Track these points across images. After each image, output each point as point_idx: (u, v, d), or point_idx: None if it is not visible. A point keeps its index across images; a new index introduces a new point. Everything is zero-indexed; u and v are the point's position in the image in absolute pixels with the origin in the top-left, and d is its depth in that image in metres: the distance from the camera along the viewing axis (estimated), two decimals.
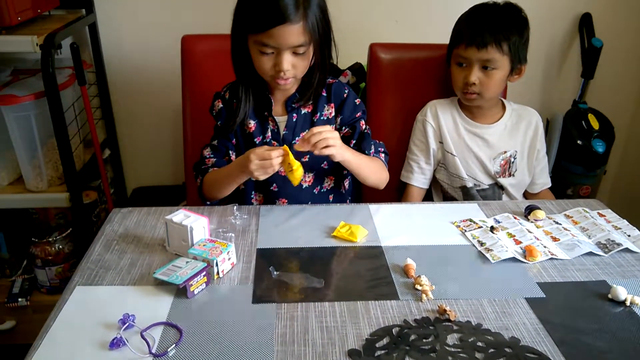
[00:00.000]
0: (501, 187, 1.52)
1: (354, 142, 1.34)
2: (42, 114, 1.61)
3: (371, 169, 1.30)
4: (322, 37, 1.18)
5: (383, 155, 1.37)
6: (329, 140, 1.13)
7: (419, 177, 1.55)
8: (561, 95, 2.22)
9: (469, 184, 1.50)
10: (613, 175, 2.34)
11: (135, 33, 2.00)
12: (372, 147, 1.35)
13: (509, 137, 1.51)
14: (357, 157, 1.25)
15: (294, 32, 1.12)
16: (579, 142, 2.00)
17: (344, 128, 1.35)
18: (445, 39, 1.68)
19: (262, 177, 1.13)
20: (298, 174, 1.13)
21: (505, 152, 1.50)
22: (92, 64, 1.99)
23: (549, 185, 1.59)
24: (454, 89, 1.51)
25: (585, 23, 2.09)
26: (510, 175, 1.51)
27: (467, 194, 1.51)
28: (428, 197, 1.61)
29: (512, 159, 1.50)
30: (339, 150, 1.17)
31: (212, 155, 1.33)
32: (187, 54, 1.64)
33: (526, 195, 1.59)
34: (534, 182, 1.56)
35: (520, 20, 1.42)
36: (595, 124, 2.03)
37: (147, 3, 1.96)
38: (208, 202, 1.31)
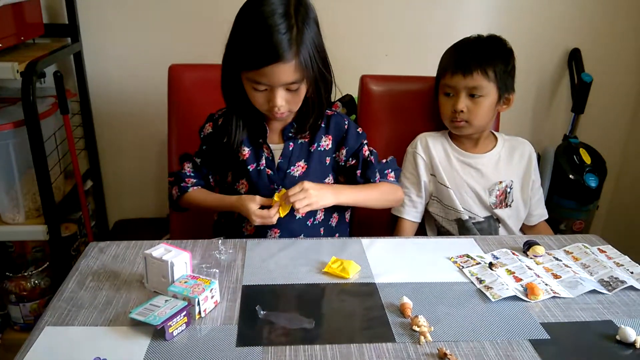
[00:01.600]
0: (497, 220, 1.47)
1: (359, 172, 1.32)
2: (21, 143, 1.55)
3: (375, 199, 1.32)
4: (316, 72, 1.16)
5: (393, 174, 1.36)
6: (304, 200, 1.15)
7: (410, 211, 1.50)
8: (552, 129, 2.22)
9: (464, 217, 1.45)
10: (606, 210, 2.32)
11: (121, 62, 1.97)
12: (377, 173, 1.32)
13: (504, 167, 1.48)
14: (355, 195, 1.27)
15: (286, 71, 1.11)
16: (571, 176, 1.98)
17: (350, 159, 1.32)
18: (435, 72, 1.67)
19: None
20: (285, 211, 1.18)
21: (500, 182, 1.46)
22: (76, 93, 1.95)
23: (546, 217, 1.55)
24: (442, 120, 1.49)
25: (574, 58, 2.10)
26: (507, 206, 1.47)
27: (462, 227, 1.46)
28: (421, 231, 1.56)
29: (509, 189, 1.47)
30: (322, 203, 1.20)
31: (192, 174, 1.34)
32: (175, 84, 1.61)
33: (523, 228, 1.55)
34: (531, 213, 1.52)
35: (504, 50, 1.43)
36: (587, 159, 2.01)
37: (133, 32, 1.94)
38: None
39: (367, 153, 1.33)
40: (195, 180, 1.33)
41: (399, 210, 1.51)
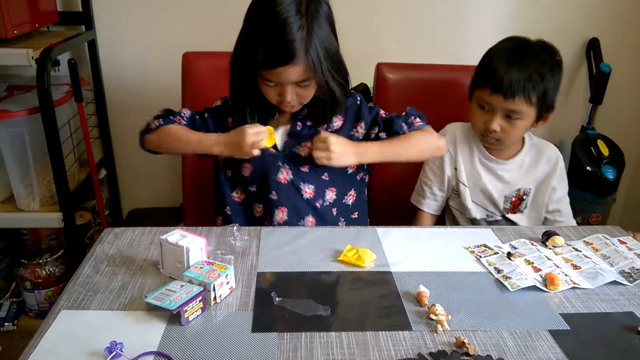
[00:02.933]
0: (512, 222, 1.43)
1: (384, 134, 1.29)
2: (36, 130, 1.55)
3: (407, 150, 1.26)
4: (325, 71, 1.15)
5: (418, 119, 1.29)
6: (323, 153, 1.15)
7: (430, 203, 1.47)
8: (569, 121, 2.18)
9: (478, 216, 1.43)
10: (622, 202, 2.28)
11: (135, 50, 1.96)
12: (403, 125, 1.27)
13: (526, 174, 1.42)
14: (383, 151, 1.23)
15: (295, 71, 1.11)
16: (588, 168, 1.95)
17: (371, 130, 1.30)
18: (448, 61, 1.65)
19: (246, 155, 1.16)
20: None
21: (519, 189, 1.42)
22: (90, 82, 1.95)
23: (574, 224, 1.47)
24: (473, 128, 1.41)
25: (592, 47, 2.06)
26: (519, 211, 1.44)
27: (476, 225, 1.44)
28: (439, 224, 1.53)
29: (525, 197, 1.42)
30: (340, 162, 1.18)
31: (186, 120, 1.29)
32: (188, 72, 1.60)
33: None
34: (556, 219, 1.45)
35: (554, 66, 1.29)
36: (605, 150, 1.98)
37: (147, 20, 1.93)
38: (147, 151, 1.30)
39: (384, 115, 1.30)
40: (185, 123, 1.28)
41: (419, 202, 1.49)
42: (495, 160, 1.42)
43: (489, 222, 1.44)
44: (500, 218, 1.44)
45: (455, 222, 1.51)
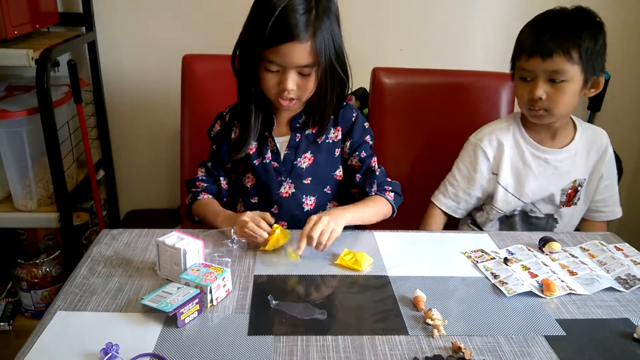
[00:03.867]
0: (555, 219, 1.39)
1: (359, 176, 1.29)
2: (35, 130, 1.55)
3: (371, 215, 1.24)
4: (330, 61, 1.14)
5: (392, 195, 1.28)
6: (332, 234, 1.09)
7: (448, 202, 1.41)
8: None
9: (517, 211, 1.37)
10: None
11: (135, 52, 1.97)
12: (375, 185, 1.28)
13: (580, 163, 1.34)
14: (355, 215, 1.19)
15: (300, 52, 1.10)
16: None
17: (354, 157, 1.29)
18: (450, 66, 1.65)
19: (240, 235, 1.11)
20: (273, 243, 1.08)
21: (575, 180, 1.34)
22: (89, 83, 1.95)
23: (619, 215, 1.42)
24: (520, 107, 1.33)
25: None
26: (573, 204, 1.37)
27: (521, 220, 1.38)
28: (448, 228, 1.47)
29: (580, 187, 1.35)
30: (340, 228, 1.12)
31: (204, 178, 1.32)
32: (188, 74, 1.60)
33: (581, 224, 1.45)
34: (600, 210, 1.40)
35: (593, 24, 1.22)
36: None
37: (147, 22, 1.93)
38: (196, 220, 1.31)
39: (374, 164, 1.30)
40: (206, 185, 1.30)
41: (436, 196, 1.43)
42: (548, 150, 1.33)
43: (532, 217, 1.38)
44: (542, 216, 1.37)
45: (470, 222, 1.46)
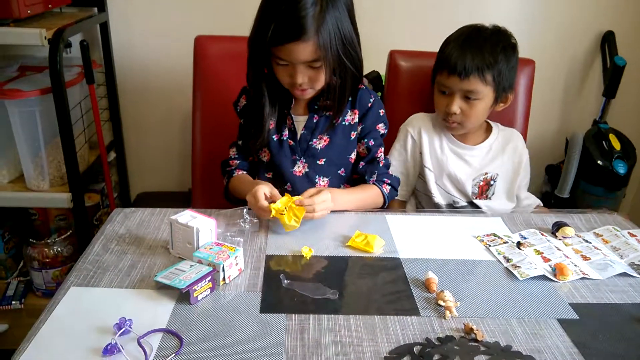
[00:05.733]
0: (478, 207, 1.44)
1: (363, 163, 1.31)
2: (47, 111, 1.56)
3: (364, 205, 1.26)
4: (339, 52, 1.13)
5: (388, 188, 1.31)
6: (322, 210, 1.12)
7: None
8: (581, 114, 2.16)
9: (442, 202, 1.44)
10: (632, 197, 2.27)
11: (147, 33, 1.96)
12: (375, 175, 1.30)
13: (493, 160, 1.45)
14: (351, 204, 1.23)
15: (305, 49, 1.10)
16: (599, 162, 1.93)
17: (362, 141, 1.30)
18: None
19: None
20: (288, 224, 1.08)
21: (486, 173, 1.44)
22: (101, 64, 1.95)
23: (538, 203, 1.51)
24: (437, 114, 1.45)
25: (607, 41, 2.03)
26: (486, 198, 1.45)
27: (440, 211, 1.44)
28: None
29: (492, 182, 1.44)
30: (331, 207, 1.15)
31: (236, 156, 1.34)
32: (200, 55, 1.59)
33: None
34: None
35: (507, 47, 1.35)
36: (616, 145, 1.96)
37: (160, 3, 1.92)
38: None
39: (380, 154, 1.31)
40: (238, 162, 1.32)
41: None
42: (463, 146, 1.45)
43: (454, 209, 1.44)
44: (465, 204, 1.45)
45: (420, 207, 1.52)
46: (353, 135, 1.29)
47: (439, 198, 1.44)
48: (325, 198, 1.12)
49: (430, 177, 1.44)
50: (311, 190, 1.13)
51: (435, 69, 1.42)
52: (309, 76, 1.15)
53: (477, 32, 1.37)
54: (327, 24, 1.09)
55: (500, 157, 1.46)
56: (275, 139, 1.27)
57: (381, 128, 1.32)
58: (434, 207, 1.46)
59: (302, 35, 1.07)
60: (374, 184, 1.30)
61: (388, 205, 1.39)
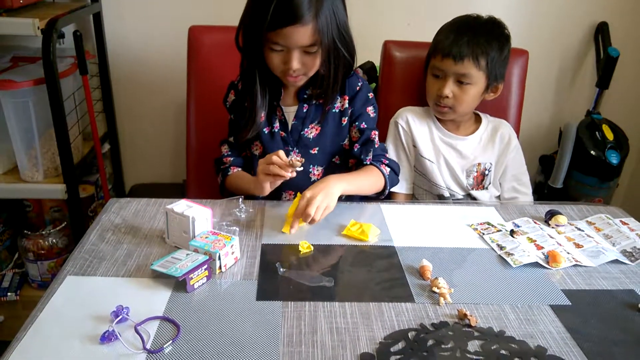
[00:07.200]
0: (475, 199, 1.45)
1: (357, 145, 1.29)
2: (41, 101, 1.55)
3: (365, 187, 1.24)
4: (334, 37, 1.13)
5: (387, 169, 1.28)
6: (325, 209, 1.08)
7: (402, 182, 1.45)
8: (574, 104, 2.17)
9: (446, 193, 1.44)
10: (625, 187, 2.29)
11: (141, 24, 1.95)
12: (370, 154, 1.28)
13: (484, 150, 1.46)
14: (349, 186, 1.17)
15: (303, 33, 1.09)
16: (592, 152, 1.94)
17: (354, 125, 1.29)
18: None
19: (266, 186, 1.12)
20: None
21: (479, 164, 1.45)
22: (95, 55, 1.94)
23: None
24: (428, 100, 1.45)
25: (601, 32, 2.04)
26: (483, 188, 1.46)
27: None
28: None
29: (487, 172, 1.45)
30: (334, 202, 1.11)
31: (229, 153, 1.32)
32: (194, 46, 1.59)
33: None
34: (512, 198, 1.48)
35: (501, 37, 1.37)
36: (609, 135, 1.97)
37: None
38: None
39: (374, 136, 1.30)
40: (232, 159, 1.31)
41: None
42: (453, 136, 1.45)
43: (454, 200, 1.44)
44: (462, 197, 1.45)
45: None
46: (344, 121, 1.29)
47: (445, 190, 1.43)
48: (318, 203, 1.06)
49: (433, 168, 1.43)
50: (302, 203, 1.07)
51: (429, 54, 1.43)
52: (304, 62, 1.15)
53: (473, 19, 1.39)
54: (325, 8, 1.09)
55: (491, 147, 1.46)
56: (266, 132, 1.27)
57: (371, 112, 1.31)
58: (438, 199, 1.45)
59: (300, 18, 1.07)
60: (371, 163, 1.27)
61: (393, 196, 1.38)
